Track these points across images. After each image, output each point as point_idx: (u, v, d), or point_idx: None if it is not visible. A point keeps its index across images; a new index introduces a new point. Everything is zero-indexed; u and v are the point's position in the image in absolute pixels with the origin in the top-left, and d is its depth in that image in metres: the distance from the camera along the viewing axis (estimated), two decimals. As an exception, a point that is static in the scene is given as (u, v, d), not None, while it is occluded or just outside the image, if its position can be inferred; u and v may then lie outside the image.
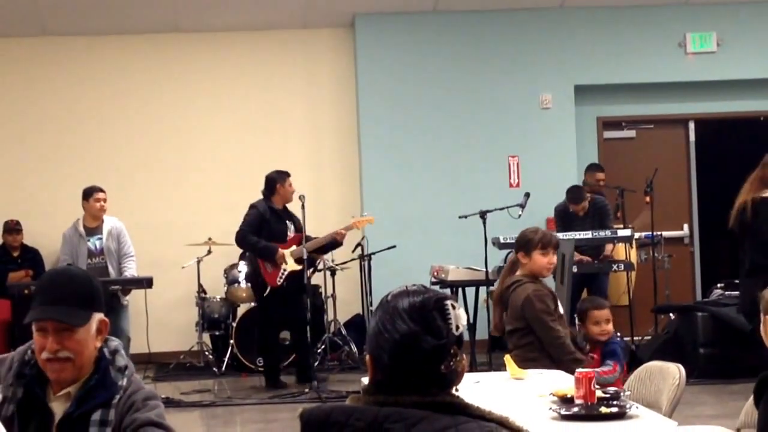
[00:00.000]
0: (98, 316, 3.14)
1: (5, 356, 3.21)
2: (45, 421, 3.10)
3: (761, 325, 3.83)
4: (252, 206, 10.18)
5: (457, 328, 2.41)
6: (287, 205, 10.25)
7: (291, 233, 10.11)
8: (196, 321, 11.42)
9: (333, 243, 10.20)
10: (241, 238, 10.09)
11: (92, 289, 3.14)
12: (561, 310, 6.37)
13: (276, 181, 10.17)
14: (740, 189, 7.18)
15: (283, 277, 9.97)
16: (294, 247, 9.99)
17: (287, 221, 10.15)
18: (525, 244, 6.35)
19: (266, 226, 10.02)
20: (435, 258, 10.93)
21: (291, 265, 9.94)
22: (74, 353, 3.07)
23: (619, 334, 6.75)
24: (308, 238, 10.01)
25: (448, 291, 9.45)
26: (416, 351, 2.38)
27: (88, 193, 10.45)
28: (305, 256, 9.80)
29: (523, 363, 5.79)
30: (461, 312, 2.44)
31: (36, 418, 3.09)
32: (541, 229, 6.53)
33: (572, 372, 4.83)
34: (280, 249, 9.95)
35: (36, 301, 3.09)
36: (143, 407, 3.08)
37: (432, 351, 2.38)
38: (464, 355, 2.46)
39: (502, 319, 6.48)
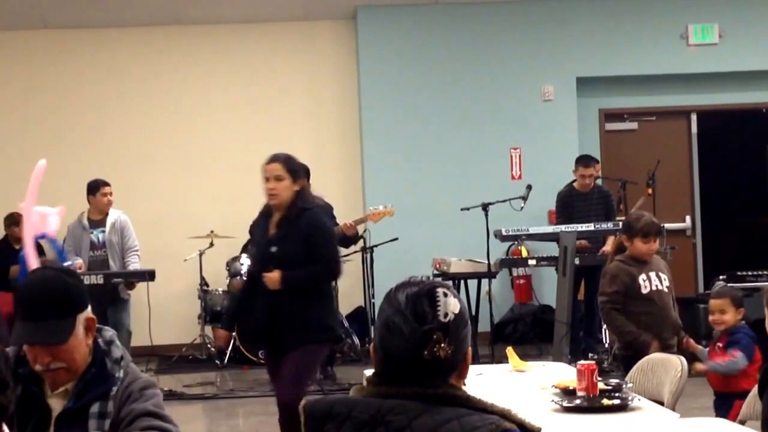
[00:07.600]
0: (83, 316, 3.09)
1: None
2: (44, 417, 3.09)
3: (766, 319, 3.84)
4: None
5: (446, 315, 2.35)
6: None
7: None
8: (199, 314, 11.43)
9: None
10: None
11: (69, 293, 3.07)
12: (658, 282, 6.47)
13: None
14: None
15: None
16: None
17: None
18: (628, 229, 6.36)
19: None
20: (437, 250, 10.92)
21: None
22: (66, 362, 3.07)
23: (744, 323, 6.49)
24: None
25: (450, 283, 9.41)
26: (399, 337, 2.35)
27: (95, 188, 10.38)
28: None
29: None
30: (454, 300, 2.38)
31: (35, 415, 3.09)
32: (645, 216, 6.44)
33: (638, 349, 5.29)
34: None
35: (18, 317, 3.06)
36: (140, 397, 3.07)
37: (412, 336, 2.34)
38: (468, 347, 2.42)
39: None
